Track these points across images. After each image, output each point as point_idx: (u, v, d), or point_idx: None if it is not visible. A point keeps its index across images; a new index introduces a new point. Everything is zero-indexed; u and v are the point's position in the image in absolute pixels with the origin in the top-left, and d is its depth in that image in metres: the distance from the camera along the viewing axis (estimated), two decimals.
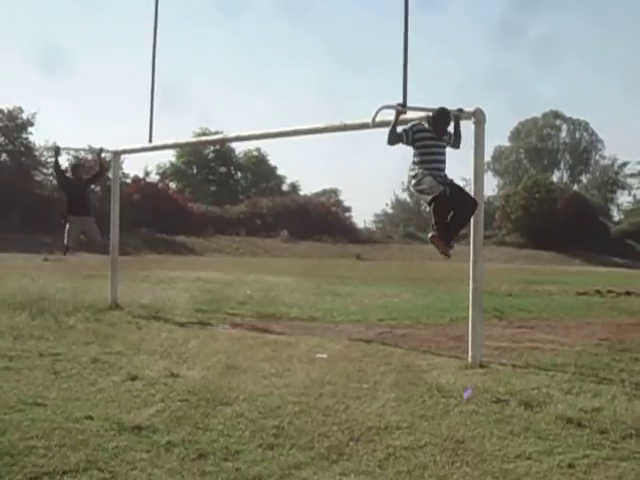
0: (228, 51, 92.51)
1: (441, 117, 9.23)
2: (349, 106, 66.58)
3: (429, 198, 9.22)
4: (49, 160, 45.06)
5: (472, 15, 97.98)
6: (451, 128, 9.42)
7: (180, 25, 71.59)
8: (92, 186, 15.97)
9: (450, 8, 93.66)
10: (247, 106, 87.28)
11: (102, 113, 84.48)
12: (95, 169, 16.00)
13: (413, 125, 9.28)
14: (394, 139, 9.17)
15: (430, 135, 9.21)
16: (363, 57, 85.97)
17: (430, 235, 9.37)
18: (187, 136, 37.83)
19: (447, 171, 9.29)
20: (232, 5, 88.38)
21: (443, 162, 9.33)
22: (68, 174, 15.13)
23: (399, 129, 9.20)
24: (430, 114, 9.25)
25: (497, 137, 77.43)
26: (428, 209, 9.45)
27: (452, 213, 9.22)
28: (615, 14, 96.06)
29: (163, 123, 14.16)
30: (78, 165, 15.61)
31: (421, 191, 9.33)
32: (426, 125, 9.27)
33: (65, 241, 14.38)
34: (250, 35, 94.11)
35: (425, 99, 9.43)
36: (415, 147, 9.20)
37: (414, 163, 9.28)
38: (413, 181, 9.35)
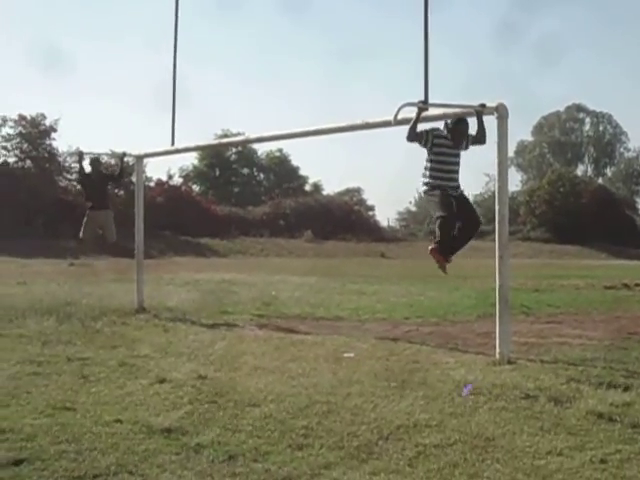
0: (239, 48, 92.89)
1: (459, 126, 9.32)
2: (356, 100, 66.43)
3: (436, 215, 9.33)
4: (73, 165, 45.35)
5: (478, 13, 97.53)
6: (472, 129, 9.46)
7: (186, 23, 71.65)
8: (110, 184, 16.00)
9: (456, 6, 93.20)
10: (263, 104, 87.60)
11: (124, 117, 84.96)
12: (116, 170, 16.09)
13: (433, 129, 9.33)
14: (414, 136, 9.20)
15: (447, 142, 9.27)
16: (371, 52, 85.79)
17: (430, 248, 9.58)
18: (207, 138, 37.92)
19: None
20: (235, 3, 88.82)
21: (457, 172, 9.49)
22: (87, 168, 15.22)
23: (419, 128, 9.22)
24: (449, 121, 9.30)
25: (520, 132, 77.24)
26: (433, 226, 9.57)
27: (457, 230, 9.34)
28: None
29: (181, 123, 14.20)
30: (97, 160, 15.63)
31: (431, 202, 9.48)
32: (445, 132, 9.31)
33: (81, 234, 14.51)
34: (263, 32, 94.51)
35: (432, 97, 9.42)
36: (431, 152, 9.28)
37: (427, 169, 9.34)
38: (425, 188, 9.49)
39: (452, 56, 74.97)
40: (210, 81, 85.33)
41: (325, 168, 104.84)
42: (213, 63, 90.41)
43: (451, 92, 9.43)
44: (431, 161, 9.30)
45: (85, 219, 14.46)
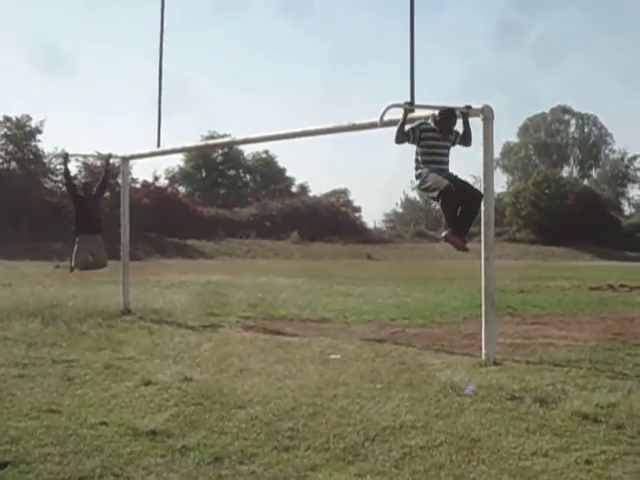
0: (229, 52, 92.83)
1: (447, 117, 9.24)
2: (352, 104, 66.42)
3: (436, 194, 9.19)
4: (58, 167, 45.23)
5: (474, 14, 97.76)
6: (458, 127, 9.42)
7: (181, 26, 71.52)
8: (103, 196, 15.71)
9: (452, 7, 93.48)
10: (252, 107, 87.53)
11: (109, 119, 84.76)
12: (102, 175, 15.89)
13: (420, 123, 9.27)
14: (402, 138, 9.15)
15: (435, 135, 9.21)
16: (366, 55, 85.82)
17: (444, 234, 9.30)
18: (194, 139, 37.88)
19: (456, 169, 9.28)
20: (231, 5, 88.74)
21: (447, 163, 9.35)
22: (79, 191, 14.92)
23: (406, 127, 9.18)
24: (436, 113, 9.24)
25: (506, 133, 77.47)
26: (437, 206, 9.42)
27: (460, 208, 9.18)
28: (617, 5, 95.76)
29: (169, 125, 14.17)
30: (90, 182, 15.56)
31: (427, 189, 9.31)
32: (432, 124, 9.26)
33: (72, 263, 14.24)
34: (251, 35, 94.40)
35: (427, 98, 9.44)
36: (420, 145, 9.19)
37: (418, 162, 9.27)
38: (418, 181, 9.37)
39: (449, 56, 75.17)
40: (202, 84, 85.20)
41: (312, 170, 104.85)
42: (206, 66, 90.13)
43: (447, 92, 9.45)
44: (421, 153, 9.19)
45: (75, 247, 14.03)
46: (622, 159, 79.25)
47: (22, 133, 47.24)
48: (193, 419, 6.29)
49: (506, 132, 77.55)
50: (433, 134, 9.19)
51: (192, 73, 79.53)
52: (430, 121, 9.29)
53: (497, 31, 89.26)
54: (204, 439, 5.68)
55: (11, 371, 8.25)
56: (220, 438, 5.74)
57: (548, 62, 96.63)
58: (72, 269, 14.38)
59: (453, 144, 9.37)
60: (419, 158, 9.24)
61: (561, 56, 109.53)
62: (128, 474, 4.92)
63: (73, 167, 42.65)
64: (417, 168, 9.30)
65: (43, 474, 4.87)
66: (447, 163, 9.35)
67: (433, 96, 9.56)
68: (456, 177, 9.31)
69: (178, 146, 15.73)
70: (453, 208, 9.13)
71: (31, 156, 47.63)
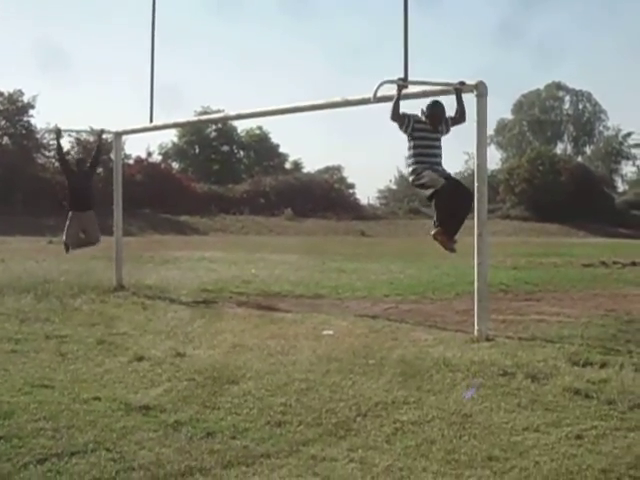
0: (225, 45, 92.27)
1: (435, 109, 9.32)
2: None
3: (429, 193, 9.29)
4: (51, 143, 45.11)
5: (465, 14, 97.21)
6: (451, 108, 9.46)
7: (177, 16, 71.17)
8: (95, 172, 15.66)
9: (447, 7, 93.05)
10: (247, 82, 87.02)
11: (102, 95, 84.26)
12: (94, 151, 15.84)
13: (414, 115, 9.30)
14: (397, 116, 9.20)
15: (427, 127, 9.26)
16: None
17: (433, 232, 9.50)
18: (188, 116, 37.65)
19: (450, 145, 9.32)
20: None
21: (439, 155, 9.48)
22: (72, 167, 14.94)
23: (402, 111, 9.21)
24: (424, 107, 9.30)
25: (500, 110, 77.27)
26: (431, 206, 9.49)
27: (452, 209, 9.29)
28: None
29: (162, 106, 14.13)
30: (83, 159, 15.53)
31: (421, 185, 9.42)
32: (423, 118, 9.30)
33: (64, 237, 14.31)
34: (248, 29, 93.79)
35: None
36: (412, 138, 9.26)
37: (411, 156, 9.32)
38: (412, 177, 9.48)
39: (447, 56, 74.85)
40: (196, 62, 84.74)
41: (306, 146, 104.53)
42: (203, 53, 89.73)
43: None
44: (414, 147, 9.28)
45: (68, 222, 14.14)
46: (616, 136, 79.03)
47: (14, 108, 47.03)
48: (186, 394, 6.31)
49: (500, 109, 77.40)
50: (425, 127, 9.27)
51: (187, 64, 79.05)
52: (420, 115, 9.35)
53: (496, 25, 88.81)
54: (197, 414, 5.70)
55: (4, 346, 8.27)
56: (213, 413, 5.76)
57: (547, 58, 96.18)
58: (67, 248, 14.39)
59: (447, 131, 9.45)
60: (412, 152, 9.30)
61: (558, 42, 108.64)
62: (121, 449, 4.93)
63: (66, 143, 42.57)
64: (411, 164, 9.38)
65: (36, 449, 4.88)
66: (440, 156, 9.48)
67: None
68: (449, 175, 9.41)
69: (171, 121, 15.67)
70: (445, 209, 9.27)
71: (23, 131, 47.46)
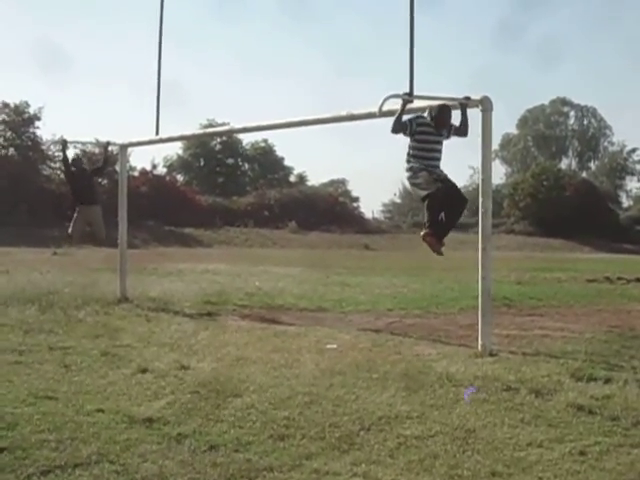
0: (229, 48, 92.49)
1: (442, 113, 9.32)
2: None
3: (423, 194, 9.31)
4: (56, 154, 45.18)
5: (467, 15, 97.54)
6: (455, 119, 9.47)
7: (183, 21, 71.44)
8: (97, 178, 15.80)
9: (449, 8, 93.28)
10: (252, 95, 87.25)
11: (109, 107, 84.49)
12: (100, 162, 15.95)
13: (416, 116, 9.35)
14: (398, 128, 9.21)
15: (430, 129, 9.28)
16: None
17: (422, 233, 9.52)
18: (193, 128, 37.68)
19: (454, 160, 9.33)
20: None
21: (439, 159, 9.50)
22: (72, 169, 15.11)
23: (404, 117, 9.23)
24: (431, 107, 9.30)
25: (505, 124, 77.37)
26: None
27: (444, 212, 9.32)
28: None
29: (168, 117, 14.17)
30: (78, 158, 15.68)
31: (416, 185, 9.45)
32: (428, 118, 9.32)
33: (70, 230, 14.43)
34: (261, 32, 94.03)
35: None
36: (414, 139, 9.27)
37: (410, 155, 9.35)
38: (408, 174, 9.49)
39: (449, 57, 74.99)
40: (201, 73, 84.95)
41: (310, 159, 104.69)
42: (206, 58, 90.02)
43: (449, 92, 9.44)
44: (414, 147, 9.30)
45: (75, 215, 14.33)
46: (621, 151, 79.14)
47: (20, 120, 47.17)
48: (189, 407, 6.31)
49: (505, 124, 77.51)
50: (428, 128, 9.28)
51: (191, 68, 79.25)
52: (426, 115, 9.35)
53: (497, 29, 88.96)
54: (200, 427, 5.70)
55: (8, 357, 8.27)
56: (216, 426, 5.75)
57: (548, 60, 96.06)
58: (70, 238, 14.47)
59: (447, 137, 9.45)
60: (411, 152, 9.34)
61: (560, 53, 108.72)
62: (124, 461, 4.93)
63: (71, 154, 42.57)
64: (409, 161, 9.40)
65: (39, 460, 4.88)
66: (439, 159, 9.50)
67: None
68: (446, 177, 9.43)
69: (176, 134, 15.74)
70: (437, 211, 9.33)
71: (29, 143, 47.58)
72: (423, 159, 9.27)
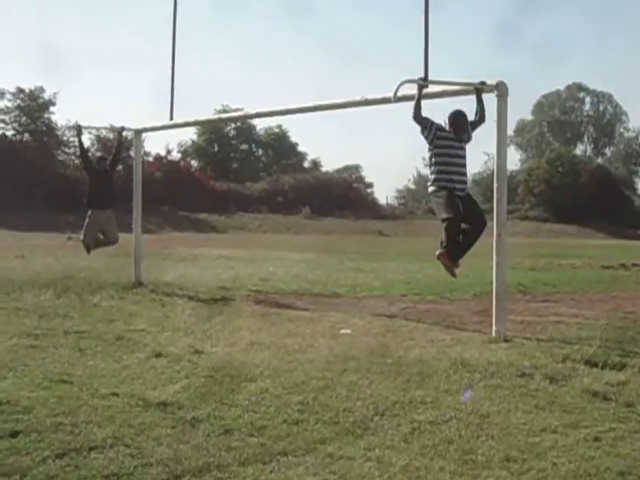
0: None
1: (458, 118, 9.31)
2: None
3: (443, 216, 9.27)
4: (71, 139, 45.34)
5: (476, 13, 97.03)
6: (471, 108, 9.46)
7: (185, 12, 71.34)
8: (116, 169, 15.61)
9: (450, 8, 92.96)
10: (266, 80, 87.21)
11: (123, 92, 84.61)
12: (114, 148, 15.88)
13: (438, 126, 9.28)
14: (419, 118, 9.21)
15: (450, 137, 9.26)
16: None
17: (438, 253, 9.48)
18: (207, 114, 37.69)
19: (470, 147, 9.34)
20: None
21: (464, 165, 9.49)
22: (94, 165, 15.07)
23: (424, 114, 9.21)
24: (446, 120, 9.31)
25: (520, 110, 77.00)
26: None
27: (462, 234, 9.32)
28: None
29: (181, 105, 14.18)
30: (103, 158, 15.62)
31: (436, 203, 9.46)
32: (447, 127, 9.30)
33: (82, 236, 14.35)
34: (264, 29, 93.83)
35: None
36: (435, 146, 9.23)
37: (433, 165, 9.32)
38: (431, 188, 9.45)
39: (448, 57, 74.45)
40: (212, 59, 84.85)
41: (324, 145, 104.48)
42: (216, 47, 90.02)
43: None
44: (436, 156, 9.26)
45: (87, 220, 14.12)
46: (636, 137, 78.66)
47: (35, 105, 47.32)
48: (203, 391, 6.32)
49: (520, 109, 77.14)
50: (448, 135, 9.27)
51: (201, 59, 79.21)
52: (445, 124, 9.35)
53: (497, 29, 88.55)
54: (214, 411, 5.71)
55: (23, 341, 8.30)
56: (230, 410, 5.77)
57: (557, 55, 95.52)
58: (88, 249, 14.41)
59: (468, 140, 9.43)
60: (434, 159, 9.30)
61: (574, 44, 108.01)
62: (138, 444, 4.95)
63: (86, 140, 42.67)
64: (432, 172, 9.37)
65: (54, 443, 4.90)
66: (464, 166, 9.47)
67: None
68: (469, 197, 9.39)
69: (191, 119, 15.73)
70: (454, 235, 9.34)
71: (44, 128, 47.76)
72: (447, 171, 9.23)
